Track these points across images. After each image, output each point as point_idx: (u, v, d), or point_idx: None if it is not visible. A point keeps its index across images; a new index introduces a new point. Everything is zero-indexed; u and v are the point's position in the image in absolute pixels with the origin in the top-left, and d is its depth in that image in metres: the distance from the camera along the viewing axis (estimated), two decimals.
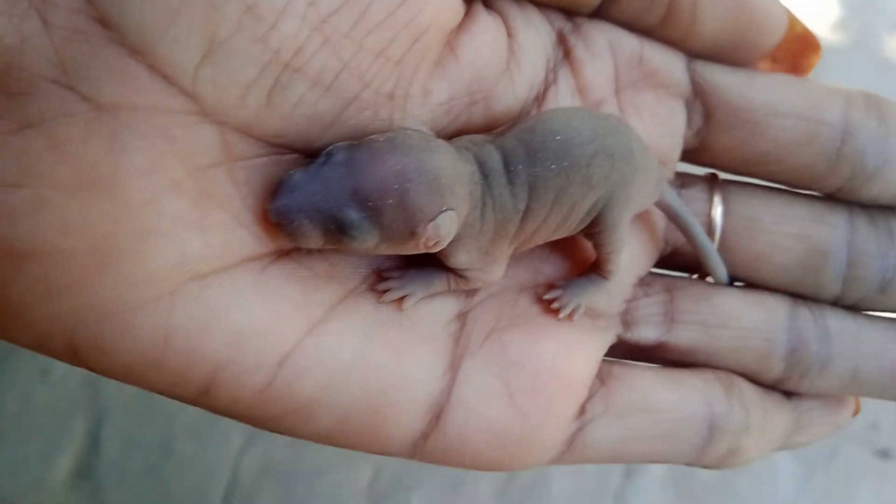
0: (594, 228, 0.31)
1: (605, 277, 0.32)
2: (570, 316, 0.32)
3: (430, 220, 0.27)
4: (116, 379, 0.27)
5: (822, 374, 0.34)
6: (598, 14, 0.32)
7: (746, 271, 0.35)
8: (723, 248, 0.35)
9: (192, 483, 0.63)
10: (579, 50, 0.32)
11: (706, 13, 0.32)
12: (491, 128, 0.31)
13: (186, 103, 0.25)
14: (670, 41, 0.33)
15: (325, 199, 0.26)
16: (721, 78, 0.34)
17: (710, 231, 0.35)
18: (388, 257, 0.30)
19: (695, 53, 0.34)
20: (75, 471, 0.62)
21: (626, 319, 0.34)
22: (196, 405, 0.28)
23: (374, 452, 0.30)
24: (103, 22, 0.24)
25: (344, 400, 0.28)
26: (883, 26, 0.82)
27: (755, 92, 0.33)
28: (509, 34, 0.31)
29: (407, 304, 0.30)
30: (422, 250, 0.28)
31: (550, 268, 0.33)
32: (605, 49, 0.33)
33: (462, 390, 0.30)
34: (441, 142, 0.28)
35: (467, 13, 0.30)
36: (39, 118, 0.24)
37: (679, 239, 0.35)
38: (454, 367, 0.30)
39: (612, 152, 0.29)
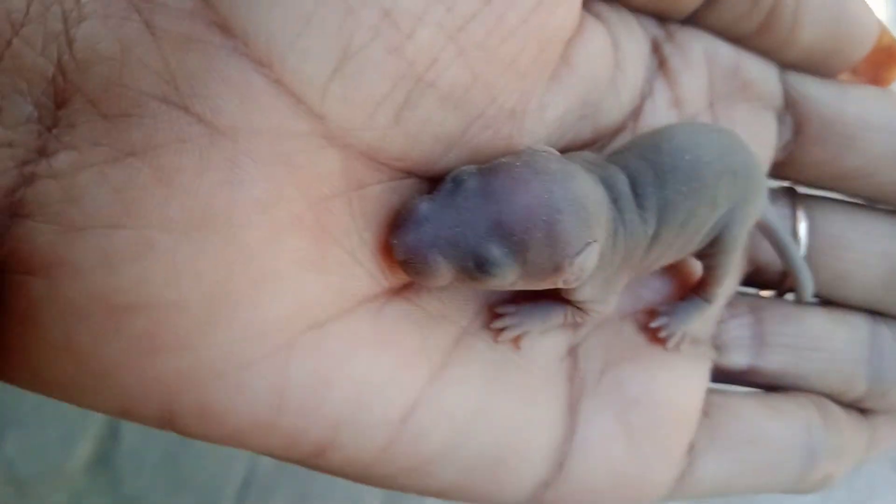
0: (711, 249, 0.29)
1: (709, 301, 0.30)
2: (678, 345, 0.30)
3: (578, 254, 0.24)
4: (216, 443, 0.23)
5: None
6: (693, 20, 0.30)
7: (829, 289, 0.33)
8: (808, 265, 0.33)
9: (209, 475, 0.63)
10: (675, 60, 0.30)
11: (807, 21, 0.30)
12: (594, 143, 0.29)
13: (312, 125, 0.22)
14: (764, 50, 0.31)
15: (463, 233, 0.23)
16: (814, 90, 0.32)
17: None
18: (498, 291, 0.27)
19: (787, 63, 0.32)
20: (94, 457, 0.62)
21: (717, 343, 0.32)
22: (304, 465, 0.25)
23: None
24: (224, 28, 0.20)
25: (468, 453, 0.25)
26: None
27: (848, 105, 0.32)
28: (613, 43, 0.28)
29: (524, 342, 0.27)
30: (558, 286, 0.25)
31: (649, 292, 0.31)
32: (700, 59, 0.31)
33: (584, 434, 0.27)
34: (575, 165, 0.25)
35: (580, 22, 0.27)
36: (145, 145, 0.20)
37: (760, 256, 0.33)
38: (573, 408, 0.28)
39: (736, 170, 0.27)
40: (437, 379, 0.25)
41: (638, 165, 0.27)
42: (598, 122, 0.29)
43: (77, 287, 0.20)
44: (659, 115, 0.30)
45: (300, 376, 0.22)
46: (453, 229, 0.23)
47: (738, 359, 0.32)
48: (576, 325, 0.29)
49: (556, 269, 0.24)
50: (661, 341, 0.30)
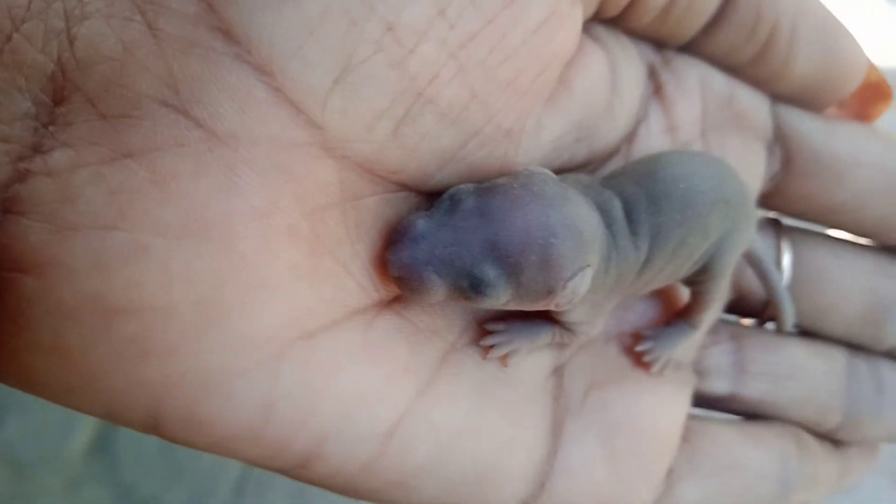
0: (700, 276, 0.29)
1: (694, 328, 0.30)
2: (661, 370, 0.30)
3: (571, 279, 0.23)
4: (201, 450, 0.23)
5: (874, 424, 0.34)
6: (689, 48, 0.30)
7: (810, 320, 0.34)
8: (789, 296, 0.34)
9: (208, 465, 0.63)
10: (671, 86, 0.30)
11: (801, 54, 0.30)
12: (588, 165, 0.29)
13: (311, 135, 0.22)
14: (757, 81, 0.31)
15: (459, 252, 0.22)
16: (805, 124, 0.32)
17: None
18: (489, 309, 0.27)
19: (778, 95, 0.32)
20: (93, 444, 0.61)
21: (698, 368, 0.32)
22: (287, 476, 0.24)
23: None
24: (227, 34, 0.20)
25: (452, 469, 0.25)
26: None
27: (838, 140, 0.32)
28: (611, 67, 0.28)
29: (512, 360, 0.27)
30: (551, 308, 0.25)
31: (634, 315, 0.31)
32: (695, 87, 0.31)
33: (566, 454, 0.27)
34: (573, 189, 0.25)
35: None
36: (143, 147, 0.20)
37: (742, 284, 0.34)
38: (557, 428, 0.27)
39: (728, 199, 0.28)
40: (425, 394, 0.25)
41: (633, 191, 0.26)
42: (593, 145, 0.28)
43: (68, 288, 0.20)
44: (653, 140, 0.30)
45: (289, 387, 0.22)
46: (449, 248, 0.23)
47: (718, 385, 0.32)
48: (563, 346, 0.29)
49: (550, 292, 0.23)
50: (646, 365, 0.30)
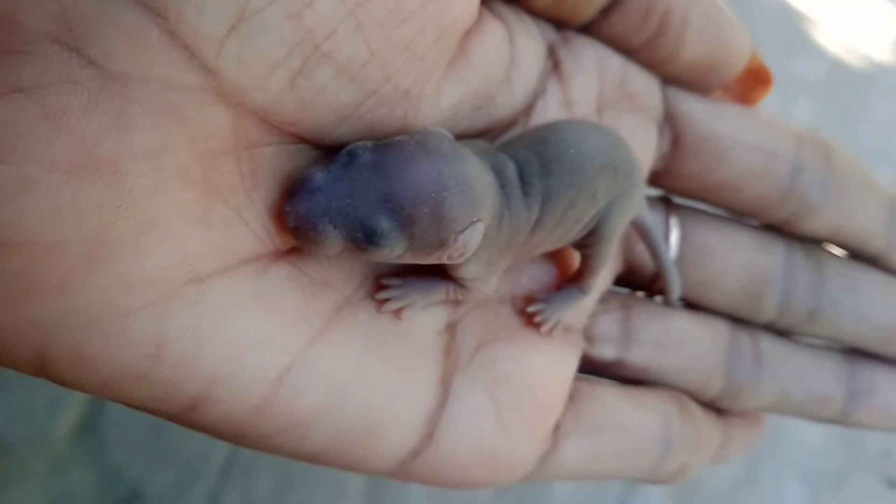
0: (589, 240, 0.30)
1: (583, 292, 0.31)
2: (551, 331, 0.31)
3: (461, 232, 0.24)
4: (89, 393, 0.23)
5: (753, 394, 0.35)
6: (588, 29, 0.32)
7: (694, 294, 0.35)
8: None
9: (194, 448, 0.62)
10: (569, 64, 0.31)
11: (690, 39, 0.31)
12: (486, 134, 0.30)
13: (205, 80, 0.22)
14: (650, 63, 0.33)
15: (354, 205, 0.23)
16: (692, 106, 0.34)
17: None
18: (384, 263, 0.28)
19: (669, 78, 0.34)
20: (79, 425, 0.61)
21: (588, 335, 0.33)
22: (173, 421, 0.24)
23: (359, 471, 0.28)
24: None
25: (342, 416, 0.26)
26: None
27: (722, 122, 0.34)
28: (510, 40, 0.29)
29: (406, 314, 0.28)
30: (443, 261, 0.26)
31: (528, 279, 0.32)
32: (592, 66, 0.32)
33: (454, 406, 0.28)
34: (466, 149, 0.26)
35: (477, 15, 0.28)
36: (33, 82, 0.20)
37: (633, 258, 0.35)
38: (446, 381, 0.28)
39: (616, 166, 0.29)
40: (316, 343, 0.25)
41: (526, 155, 0.28)
42: (491, 115, 0.29)
43: None
44: (550, 114, 0.31)
45: (178, 329, 0.22)
46: (345, 200, 0.23)
47: (606, 351, 0.34)
48: (457, 302, 0.29)
49: (441, 244, 0.24)
50: (536, 326, 0.31)
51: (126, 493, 0.61)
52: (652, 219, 0.33)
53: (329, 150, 0.26)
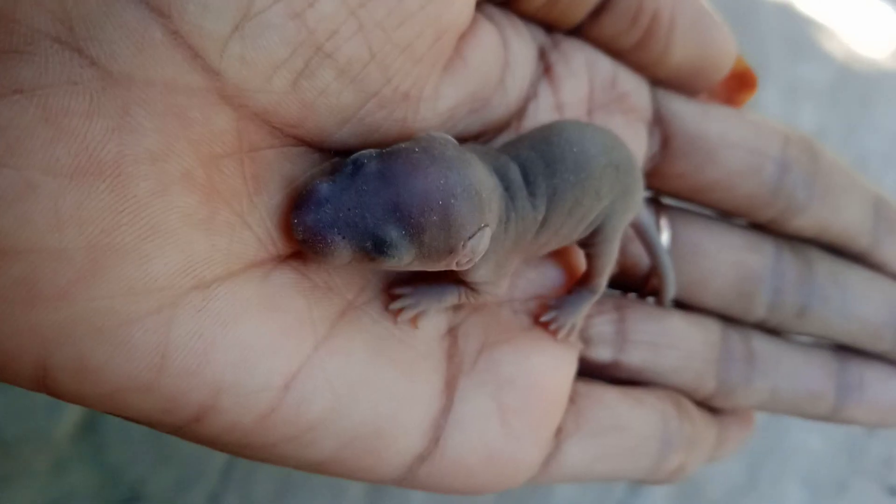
0: (593, 238, 0.30)
1: (594, 292, 0.31)
2: (567, 337, 0.31)
3: (470, 238, 0.24)
4: (91, 407, 0.22)
5: (746, 392, 0.36)
6: (578, 31, 0.32)
7: (686, 293, 0.35)
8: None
9: (195, 449, 0.62)
10: (559, 67, 0.32)
11: (678, 42, 0.32)
12: (481, 137, 0.30)
13: (208, 81, 0.21)
14: (639, 65, 0.33)
15: (362, 215, 0.23)
16: (680, 107, 0.34)
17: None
18: (394, 270, 0.28)
19: (657, 80, 0.34)
20: (80, 425, 0.61)
21: (583, 337, 0.33)
22: (176, 435, 0.24)
23: (366, 479, 0.27)
24: None
25: (349, 423, 0.25)
26: None
27: (710, 122, 0.34)
28: (504, 44, 0.29)
29: (421, 321, 0.28)
30: (452, 268, 0.25)
31: (525, 282, 0.32)
32: (582, 68, 0.32)
33: (459, 410, 0.28)
34: (471, 153, 0.26)
35: (473, 19, 0.28)
36: (34, 83, 0.19)
37: (626, 260, 0.35)
38: (450, 385, 0.28)
39: (618, 164, 0.29)
40: (321, 348, 0.25)
41: (529, 156, 0.28)
42: (486, 117, 0.29)
43: None
44: (542, 116, 0.31)
45: (183, 336, 0.22)
46: (352, 211, 0.23)
47: (602, 352, 0.34)
48: (470, 306, 0.29)
49: (451, 251, 0.24)
50: (553, 333, 0.31)
51: (126, 494, 0.61)
52: (648, 218, 0.34)
53: (330, 154, 0.26)
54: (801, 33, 0.80)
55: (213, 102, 0.22)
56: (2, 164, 0.19)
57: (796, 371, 0.37)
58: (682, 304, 0.36)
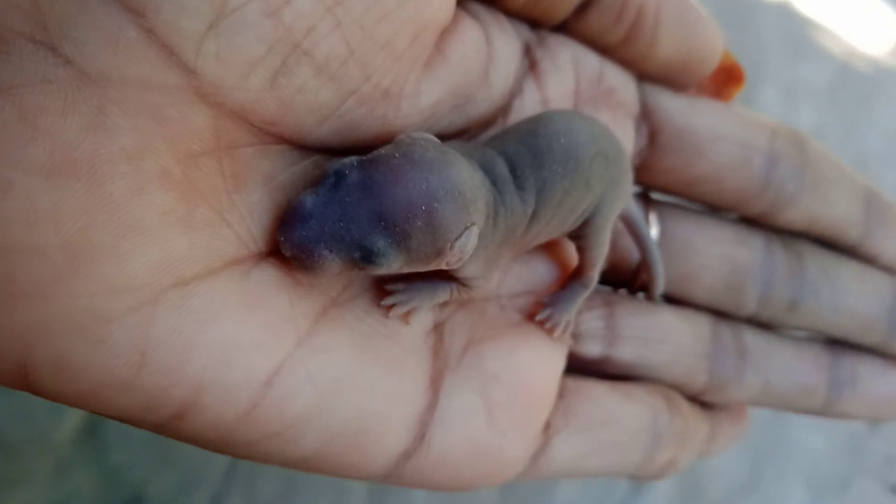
0: (584, 230, 0.30)
1: (586, 286, 0.31)
2: (564, 333, 0.31)
3: (458, 238, 0.24)
4: (71, 405, 0.22)
5: (738, 386, 0.35)
6: (563, 28, 0.32)
7: (676, 288, 0.35)
8: None
9: (197, 451, 0.63)
10: (545, 62, 0.31)
11: (664, 37, 0.32)
12: (465, 133, 0.30)
13: (184, 79, 0.22)
14: (626, 61, 0.33)
15: (347, 227, 0.23)
16: (667, 101, 0.34)
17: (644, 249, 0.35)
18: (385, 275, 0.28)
19: (644, 75, 0.34)
20: (82, 428, 0.61)
21: (573, 332, 0.33)
22: (158, 432, 0.24)
23: (351, 476, 0.27)
24: None
25: (333, 419, 0.25)
26: None
27: (698, 116, 0.34)
28: (487, 40, 0.29)
29: (413, 317, 0.28)
30: (443, 267, 0.25)
31: (513, 278, 0.32)
32: (568, 64, 0.32)
33: (445, 406, 0.28)
34: (453, 151, 0.25)
35: (453, 15, 0.28)
36: (8, 83, 0.19)
37: (615, 255, 0.35)
38: (436, 381, 0.28)
39: (608, 153, 0.29)
40: (303, 345, 0.24)
41: (516, 149, 0.27)
42: (470, 114, 0.29)
43: None
44: (528, 112, 0.31)
45: (163, 334, 0.21)
46: (338, 223, 0.23)
47: (592, 348, 0.33)
48: (456, 302, 0.29)
49: (439, 253, 0.24)
50: (549, 331, 0.30)
51: (129, 496, 0.61)
52: (638, 212, 0.34)
53: (310, 151, 0.26)
54: (799, 33, 0.80)
55: (190, 100, 0.22)
56: None
57: (788, 365, 0.36)
58: (672, 300, 0.36)
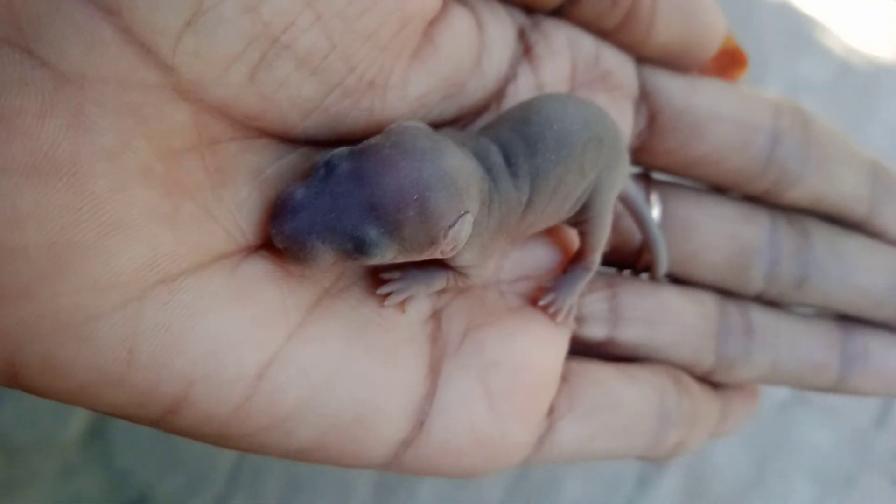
0: (583, 216, 0.30)
1: (588, 270, 0.31)
2: (567, 317, 0.31)
3: (451, 226, 0.24)
4: (64, 402, 0.22)
5: (746, 365, 0.35)
6: (558, 13, 0.31)
7: (680, 268, 0.35)
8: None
9: (202, 453, 0.63)
10: (540, 47, 0.31)
11: (662, 21, 0.31)
12: (458, 121, 0.30)
13: (162, 76, 0.21)
14: (623, 45, 0.33)
15: (339, 218, 0.23)
16: (667, 83, 0.33)
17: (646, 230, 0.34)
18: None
19: (643, 58, 0.33)
20: (88, 430, 0.61)
21: (577, 315, 0.33)
22: (155, 427, 0.24)
23: (350, 466, 0.27)
24: None
25: (328, 411, 0.25)
26: None
27: (698, 97, 0.33)
28: (479, 26, 0.29)
29: (409, 306, 0.28)
30: (437, 256, 0.25)
31: (512, 263, 0.32)
32: (564, 48, 0.32)
33: (444, 394, 0.27)
34: (446, 139, 0.25)
35: (443, 4, 0.28)
36: None
37: (616, 237, 0.35)
38: (434, 369, 0.28)
39: (602, 137, 0.28)
40: (295, 337, 0.24)
41: (509, 136, 0.27)
42: (462, 102, 0.29)
43: None
44: (522, 97, 0.31)
45: (150, 329, 0.22)
46: (329, 214, 0.23)
47: (596, 330, 0.33)
48: (454, 289, 0.29)
49: (432, 241, 0.24)
50: (553, 316, 0.30)
51: (134, 498, 0.61)
52: (636, 191, 0.33)
53: (297, 144, 0.26)
54: (801, 30, 0.80)
55: (169, 98, 0.22)
56: None
57: (797, 342, 0.36)
58: (677, 280, 0.36)
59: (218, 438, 0.25)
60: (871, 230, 0.37)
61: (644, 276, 0.36)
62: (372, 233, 0.23)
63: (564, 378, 0.31)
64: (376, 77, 0.26)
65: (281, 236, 0.23)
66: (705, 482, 0.61)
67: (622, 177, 0.31)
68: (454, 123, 0.30)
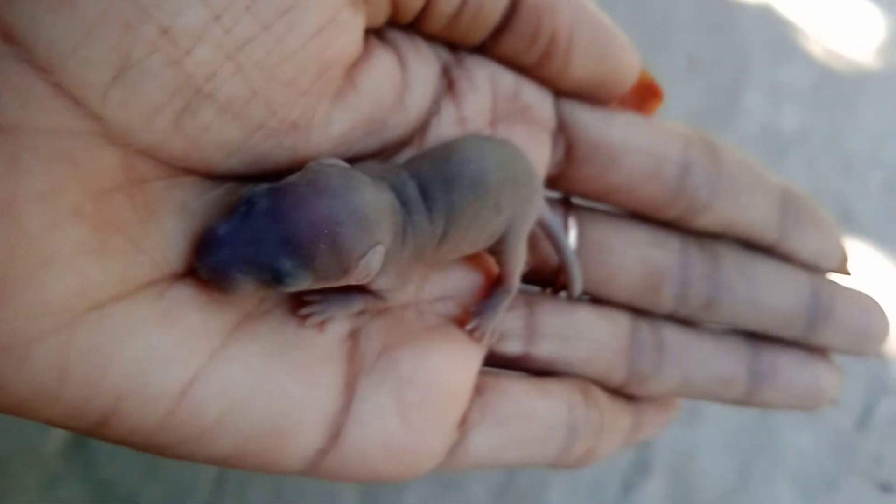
0: (500, 247, 0.32)
1: (508, 292, 0.33)
2: (491, 339, 0.33)
3: (362, 257, 0.26)
4: (7, 413, 0.25)
5: (657, 380, 0.38)
6: (481, 50, 0.33)
7: (595, 288, 0.37)
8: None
9: (186, 464, 0.63)
10: (462, 82, 0.33)
11: (577, 58, 0.33)
12: (381, 154, 0.32)
13: (91, 125, 0.24)
14: (542, 80, 0.35)
15: (257, 251, 0.25)
16: (583, 115, 0.36)
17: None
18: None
19: (561, 92, 0.35)
20: (69, 440, 0.60)
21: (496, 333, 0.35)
22: (90, 436, 0.26)
23: (272, 471, 0.29)
24: (7, 36, 0.22)
25: (246, 423, 0.27)
26: None
27: (612, 129, 0.36)
28: (402, 65, 0.31)
29: (329, 326, 0.30)
30: (351, 282, 0.27)
31: (431, 285, 0.34)
32: (485, 83, 0.34)
33: (359, 408, 0.30)
34: (359, 174, 0.27)
35: (365, 46, 0.30)
36: None
37: (535, 258, 0.37)
38: (350, 385, 0.30)
39: (517, 177, 0.31)
40: (216, 357, 0.27)
41: (428, 172, 0.30)
42: (384, 137, 0.31)
43: None
44: (444, 130, 0.33)
45: (81, 352, 0.24)
46: (248, 248, 0.25)
47: (512, 346, 0.35)
48: (373, 309, 0.31)
49: (345, 271, 0.26)
50: (478, 339, 0.33)
51: None
52: (553, 218, 0.35)
53: (222, 179, 0.28)
54: (782, 35, 0.81)
55: (98, 143, 0.24)
56: None
57: (707, 358, 0.38)
58: (595, 300, 0.38)
59: (147, 447, 0.27)
60: (782, 254, 0.39)
61: (563, 294, 0.38)
62: (287, 264, 0.26)
63: (478, 391, 0.33)
64: (299, 119, 0.27)
65: (205, 269, 0.26)
66: (689, 487, 0.61)
67: (535, 210, 0.33)
68: (378, 156, 0.32)
